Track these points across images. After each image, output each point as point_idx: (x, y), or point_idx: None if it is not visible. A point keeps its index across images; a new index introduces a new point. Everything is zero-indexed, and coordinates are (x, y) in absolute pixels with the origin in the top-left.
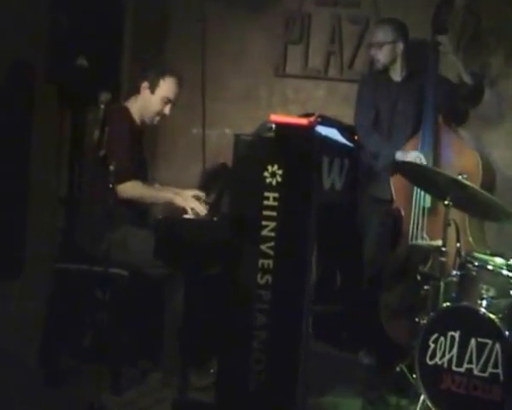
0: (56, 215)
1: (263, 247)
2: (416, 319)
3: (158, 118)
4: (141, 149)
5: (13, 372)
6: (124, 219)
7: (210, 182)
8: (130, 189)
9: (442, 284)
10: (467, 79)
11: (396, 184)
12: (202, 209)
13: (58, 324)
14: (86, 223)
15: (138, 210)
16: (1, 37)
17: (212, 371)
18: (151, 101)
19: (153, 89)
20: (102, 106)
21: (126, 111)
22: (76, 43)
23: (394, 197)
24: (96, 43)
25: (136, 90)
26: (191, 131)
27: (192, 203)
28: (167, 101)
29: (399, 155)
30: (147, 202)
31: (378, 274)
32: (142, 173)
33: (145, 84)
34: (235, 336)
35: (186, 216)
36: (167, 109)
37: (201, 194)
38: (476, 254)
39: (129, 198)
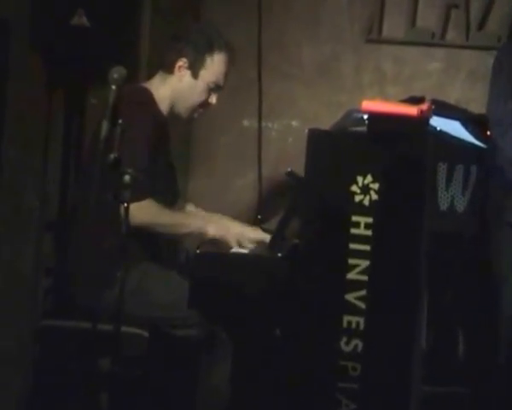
0: (41, 249)
1: (349, 297)
2: None
3: (201, 111)
4: (167, 151)
5: None
6: (142, 256)
7: (269, 200)
8: (141, 212)
9: None
10: None
11: None
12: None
13: (42, 406)
14: (87, 260)
15: (163, 242)
16: None
17: None
18: (192, 87)
19: (195, 71)
20: (114, 87)
21: (149, 96)
22: None
23: None
24: None
25: (164, 68)
26: (241, 123)
27: (237, 236)
28: (215, 87)
29: None
30: (163, 232)
31: None
32: (167, 188)
33: (182, 63)
34: None
35: (235, 250)
36: (214, 98)
37: (260, 235)
38: None
39: (138, 226)
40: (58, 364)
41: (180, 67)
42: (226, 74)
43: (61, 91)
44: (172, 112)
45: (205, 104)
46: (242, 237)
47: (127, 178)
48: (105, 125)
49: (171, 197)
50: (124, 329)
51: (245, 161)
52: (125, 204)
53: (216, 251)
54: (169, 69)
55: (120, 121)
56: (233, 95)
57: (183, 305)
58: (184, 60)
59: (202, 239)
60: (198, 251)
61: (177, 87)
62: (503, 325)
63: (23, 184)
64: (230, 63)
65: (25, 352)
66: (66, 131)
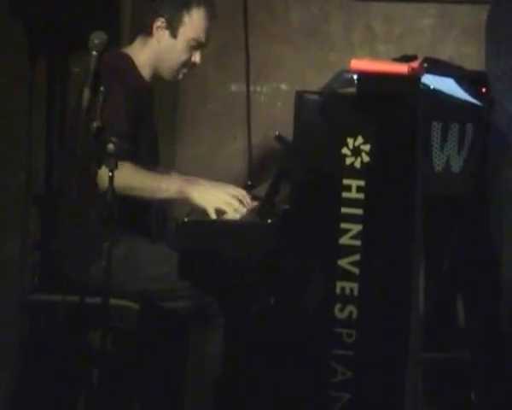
0: (27, 222)
1: (342, 262)
2: None
3: (185, 71)
4: (150, 117)
5: None
6: (129, 227)
7: (259, 167)
8: (116, 177)
9: None
10: None
11: None
12: (239, 212)
13: (31, 385)
14: (73, 232)
15: (151, 213)
16: None
17: None
18: (172, 47)
19: (174, 29)
20: (95, 53)
21: (128, 61)
22: None
23: None
24: None
25: (144, 31)
26: (229, 88)
27: (221, 202)
28: (197, 45)
29: None
30: (140, 196)
31: None
32: (148, 155)
33: (160, 23)
34: (302, 399)
35: (226, 218)
36: (197, 56)
37: (242, 193)
38: None
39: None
40: (47, 339)
41: (158, 27)
42: (207, 30)
43: (41, 58)
44: (155, 75)
45: (188, 63)
46: (227, 204)
47: (111, 146)
48: (86, 94)
49: (150, 165)
50: (113, 301)
51: (234, 127)
52: (110, 173)
53: (205, 219)
54: (148, 31)
55: (102, 89)
56: (220, 59)
57: (172, 277)
58: (162, 19)
59: (192, 207)
60: (186, 219)
61: (156, 49)
62: (504, 288)
63: (8, 158)
64: (211, 18)
65: (13, 326)
66: (48, 99)
